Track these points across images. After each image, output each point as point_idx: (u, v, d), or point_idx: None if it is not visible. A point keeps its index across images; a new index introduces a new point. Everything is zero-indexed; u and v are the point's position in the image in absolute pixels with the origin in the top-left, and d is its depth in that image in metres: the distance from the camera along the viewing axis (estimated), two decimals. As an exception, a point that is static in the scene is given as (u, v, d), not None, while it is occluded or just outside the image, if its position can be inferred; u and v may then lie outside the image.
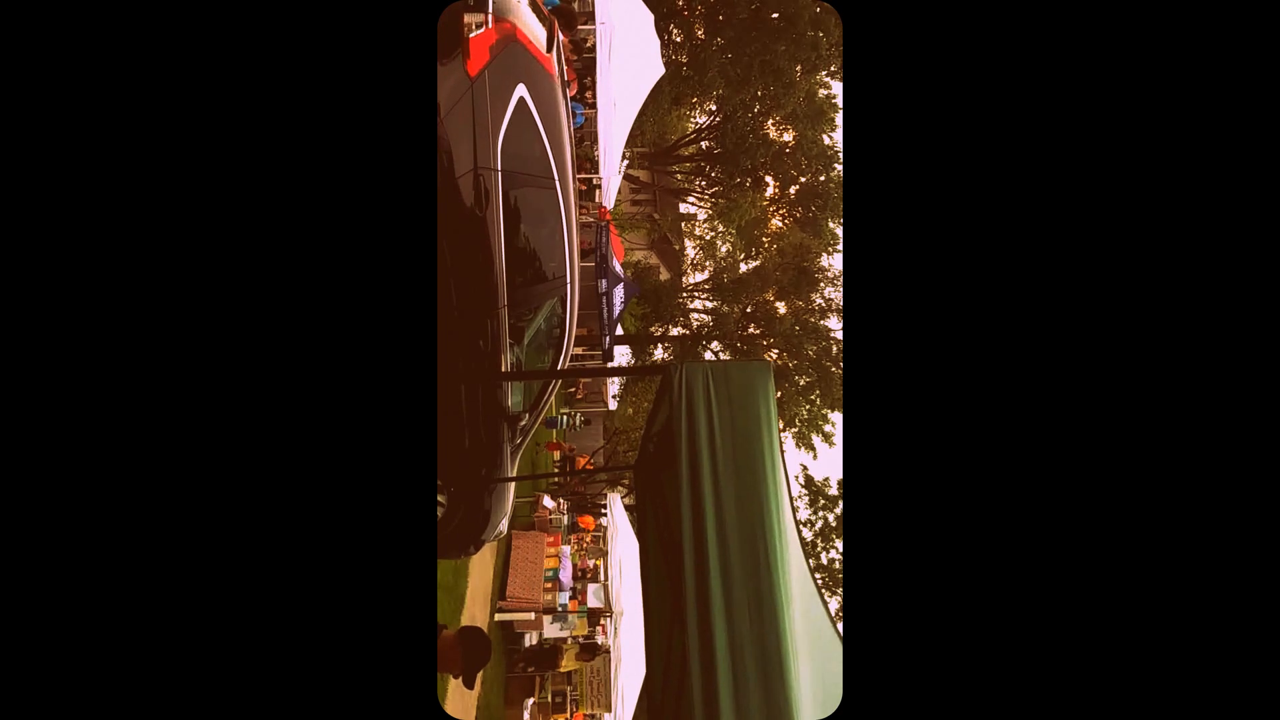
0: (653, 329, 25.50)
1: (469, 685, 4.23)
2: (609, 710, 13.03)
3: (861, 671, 1.85)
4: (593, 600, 13.39)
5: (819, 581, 3.41)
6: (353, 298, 1.81)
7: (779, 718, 2.40)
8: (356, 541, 1.76)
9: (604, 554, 14.82)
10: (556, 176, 4.80)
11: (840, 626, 3.18)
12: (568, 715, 12.85)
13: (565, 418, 20.21)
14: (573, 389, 24.21)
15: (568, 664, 12.33)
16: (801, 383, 25.17)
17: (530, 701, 12.34)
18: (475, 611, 11.06)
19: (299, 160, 1.78)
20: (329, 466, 1.76)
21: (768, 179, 28.10)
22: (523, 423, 5.58)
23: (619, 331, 18.60)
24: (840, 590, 19.48)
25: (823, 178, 26.21)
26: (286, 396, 1.75)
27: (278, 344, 1.75)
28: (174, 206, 1.69)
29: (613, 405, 25.69)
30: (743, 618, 2.51)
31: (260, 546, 1.70)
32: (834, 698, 2.54)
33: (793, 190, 27.81)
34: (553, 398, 6.49)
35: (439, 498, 5.29)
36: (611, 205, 16.61)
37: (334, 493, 1.76)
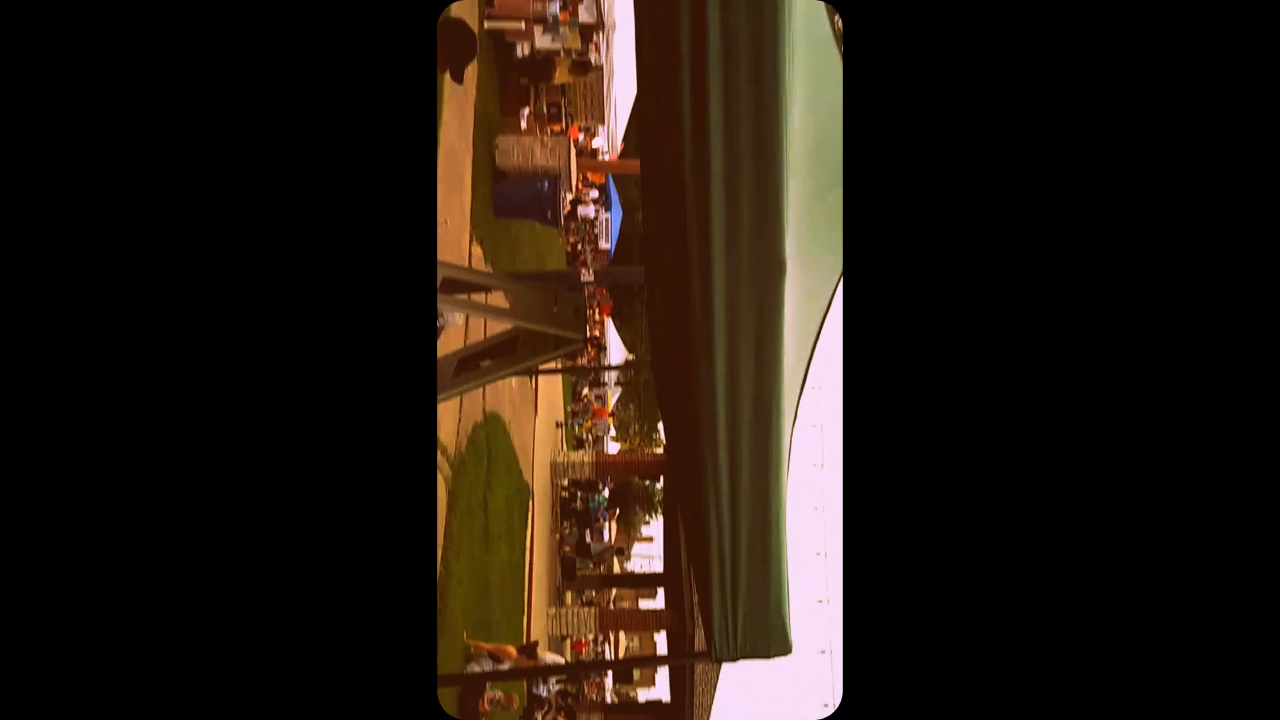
0: None
1: (456, 79, 4.28)
2: (602, 123, 13.59)
3: (862, 670, 1.82)
4: (585, 15, 12.81)
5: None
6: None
7: (770, 209, 2.40)
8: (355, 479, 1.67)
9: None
10: None
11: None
12: (563, 126, 13.41)
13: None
14: None
15: (561, 76, 12.44)
16: None
17: (526, 110, 12.74)
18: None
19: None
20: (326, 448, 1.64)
21: None
22: None
23: None
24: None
25: None
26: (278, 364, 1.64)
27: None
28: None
29: None
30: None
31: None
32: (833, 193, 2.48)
33: None
34: None
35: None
36: None
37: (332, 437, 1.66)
